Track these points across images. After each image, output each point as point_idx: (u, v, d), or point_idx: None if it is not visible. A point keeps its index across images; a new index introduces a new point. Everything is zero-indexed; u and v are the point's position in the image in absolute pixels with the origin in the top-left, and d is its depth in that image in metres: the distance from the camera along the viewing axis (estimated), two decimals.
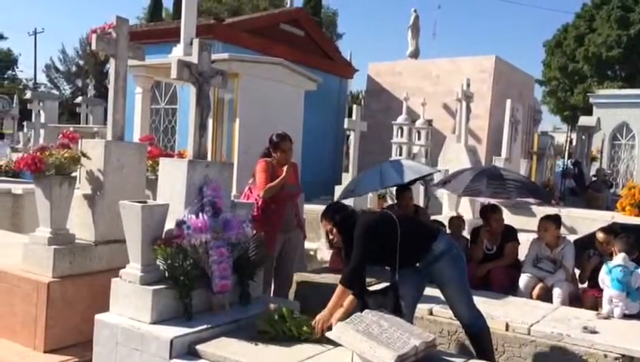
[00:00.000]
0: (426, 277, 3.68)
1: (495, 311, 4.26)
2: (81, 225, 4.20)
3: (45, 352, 3.80)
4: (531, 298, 4.95)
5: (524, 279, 5.15)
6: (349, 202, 5.87)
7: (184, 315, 3.52)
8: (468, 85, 11.14)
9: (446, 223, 6.06)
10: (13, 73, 40.08)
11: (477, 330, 3.68)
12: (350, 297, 3.44)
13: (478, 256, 5.50)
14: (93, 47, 4.25)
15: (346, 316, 3.33)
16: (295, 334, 3.38)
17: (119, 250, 3.94)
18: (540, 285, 5.03)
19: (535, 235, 5.51)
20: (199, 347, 3.25)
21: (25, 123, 19.30)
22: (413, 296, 3.70)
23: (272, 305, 3.57)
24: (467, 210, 8.68)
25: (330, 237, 3.68)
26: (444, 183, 6.31)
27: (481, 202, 8.49)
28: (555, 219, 5.30)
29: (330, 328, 3.31)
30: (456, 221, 6.11)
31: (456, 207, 8.73)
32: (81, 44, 38.95)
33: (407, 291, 3.61)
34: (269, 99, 6.38)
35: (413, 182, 5.76)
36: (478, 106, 13.91)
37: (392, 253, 3.44)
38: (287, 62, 6.84)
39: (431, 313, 4.32)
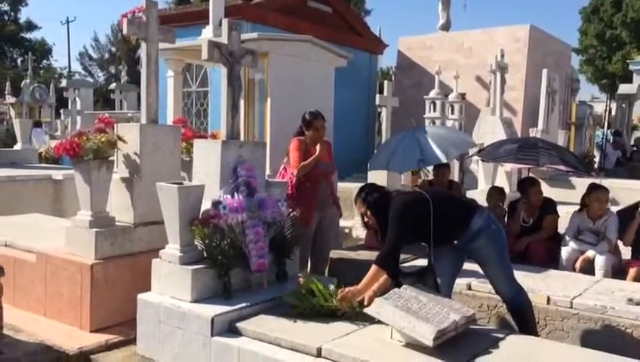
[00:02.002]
0: (465, 253, 3.63)
1: (536, 284, 4.19)
2: (120, 207, 4.28)
3: (91, 332, 3.92)
4: (573, 271, 4.85)
5: (565, 251, 5.04)
6: (382, 178, 5.77)
7: (223, 294, 3.58)
8: (502, 56, 10.83)
9: (480, 197, 5.96)
10: (48, 62, 40.88)
11: (519, 305, 3.63)
12: (384, 276, 3.42)
13: (515, 229, 5.41)
14: (125, 31, 4.28)
15: (380, 293, 3.31)
16: (324, 306, 3.39)
17: (158, 231, 4.01)
18: (582, 257, 4.91)
19: (575, 207, 5.38)
20: (239, 324, 3.30)
21: (62, 111, 19.76)
22: (451, 274, 3.66)
23: (300, 280, 3.57)
24: (504, 183, 8.50)
25: (365, 219, 3.65)
26: (479, 151, 6.22)
27: (518, 176, 8.36)
28: (606, 189, 5.18)
29: (361, 303, 3.32)
30: (496, 193, 5.98)
31: (492, 181, 8.56)
32: (113, 31, 39.48)
33: (445, 269, 3.58)
34: (300, 78, 6.35)
35: None
36: (512, 77, 13.54)
37: (428, 232, 3.40)
38: (317, 39, 6.78)
39: (469, 288, 4.28)
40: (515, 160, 5.57)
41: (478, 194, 7.34)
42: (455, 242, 3.55)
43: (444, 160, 5.00)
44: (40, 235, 4.90)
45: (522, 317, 3.63)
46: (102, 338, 3.83)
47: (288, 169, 4.97)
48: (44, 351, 3.57)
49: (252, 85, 6.50)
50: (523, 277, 3.99)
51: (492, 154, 5.92)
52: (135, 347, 3.67)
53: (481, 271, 3.77)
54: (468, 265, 3.88)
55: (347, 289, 3.42)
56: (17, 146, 10.93)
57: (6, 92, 20.29)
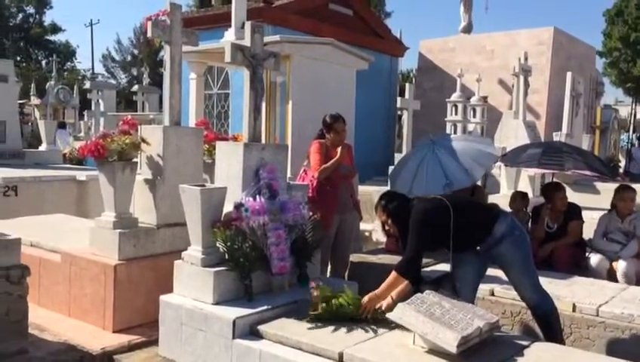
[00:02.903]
0: (488, 259, 3.58)
1: (561, 291, 4.11)
2: (143, 209, 4.32)
3: (114, 332, 3.95)
4: (602, 278, 4.77)
5: (595, 258, 4.97)
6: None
7: (245, 296, 3.58)
8: (525, 59, 10.73)
9: (503, 202, 5.88)
10: (72, 64, 41.57)
11: (544, 312, 3.56)
12: (404, 283, 3.39)
13: (539, 235, 5.33)
14: (149, 34, 4.31)
15: (399, 299, 3.28)
16: (345, 312, 3.35)
17: (180, 233, 4.04)
18: (613, 263, 4.91)
19: (601, 213, 5.30)
20: (261, 327, 3.30)
21: (85, 112, 20.06)
22: (474, 280, 3.62)
23: (314, 293, 3.43)
24: (527, 187, 8.40)
25: (387, 227, 3.63)
26: (502, 156, 6.13)
27: (542, 180, 8.24)
28: (632, 188, 5.20)
29: (379, 310, 3.29)
30: (519, 198, 5.89)
31: (515, 185, 8.46)
32: (135, 34, 40.01)
33: (468, 274, 3.53)
34: (321, 80, 6.35)
35: None
36: (536, 80, 13.39)
37: (449, 239, 3.37)
38: (338, 42, 6.78)
39: (492, 293, 4.22)
40: (539, 165, 5.48)
41: (501, 199, 7.25)
42: (478, 248, 3.50)
43: (470, 183, 4.77)
44: (64, 235, 4.96)
45: (548, 325, 3.57)
46: (124, 338, 3.85)
47: (309, 172, 4.96)
48: (68, 350, 3.61)
49: (273, 88, 6.51)
50: (547, 284, 3.92)
51: (515, 159, 5.84)
52: (157, 348, 3.69)
53: (504, 277, 3.72)
54: (491, 271, 3.83)
55: (366, 297, 3.38)
56: (42, 147, 11.10)
57: (31, 93, 20.66)
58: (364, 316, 3.33)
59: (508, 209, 5.49)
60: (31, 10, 39.56)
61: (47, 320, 4.13)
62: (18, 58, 34.76)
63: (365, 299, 3.37)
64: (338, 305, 3.37)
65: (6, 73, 8.56)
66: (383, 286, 3.37)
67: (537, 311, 3.58)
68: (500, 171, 9.05)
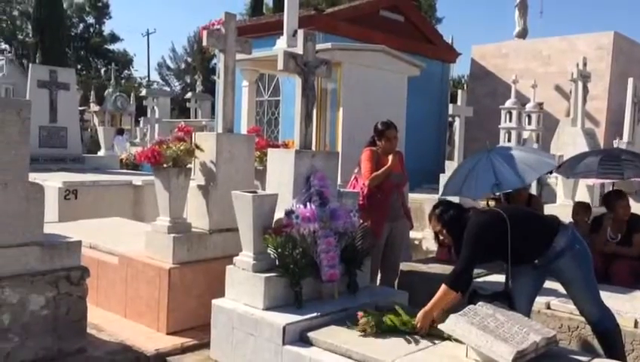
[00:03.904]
0: (547, 273, 3.46)
1: (622, 306, 3.94)
2: (196, 214, 4.41)
3: (167, 334, 4.04)
4: None
5: None
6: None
7: (295, 303, 3.59)
8: (584, 64, 10.36)
9: (559, 212, 5.67)
10: (129, 73, 43.12)
11: (605, 329, 3.42)
12: (454, 294, 3.28)
13: (601, 246, 5.11)
14: (204, 43, 4.41)
15: (450, 309, 3.20)
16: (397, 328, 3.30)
17: (232, 238, 4.09)
18: None
19: None
20: (311, 334, 3.30)
21: (141, 118, 20.73)
22: (530, 294, 3.51)
23: (361, 320, 3.33)
24: (585, 197, 8.09)
25: (441, 238, 3.55)
26: (558, 167, 5.90)
27: (601, 189, 7.91)
28: None
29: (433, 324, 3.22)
30: (582, 209, 5.67)
31: (572, 195, 8.17)
32: (189, 42, 41.11)
33: (524, 287, 3.43)
34: (372, 87, 6.32)
35: None
36: (595, 86, 12.92)
37: (505, 253, 3.28)
38: (390, 48, 6.74)
39: (549, 306, 4.08)
40: (597, 175, 5.25)
41: (558, 209, 7.02)
42: (536, 261, 3.39)
43: (520, 185, 4.66)
44: (121, 238, 5.12)
45: (610, 342, 3.42)
46: (177, 341, 3.93)
47: (359, 179, 4.94)
48: (124, 351, 3.71)
49: (324, 95, 6.53)
50: (607, 298, 3.75)
51: (572, 169, 5.59)
52: (208, 351, 3.75)
53: (560, 289, 3.60)
54: (547, 283, 3.70)
55: (418, 316, 3.27)
56: (101, 152, 11.52)
57: (90, 101, 21.54)
58: (420, 334, 3.26)
59: (568, 220, 5.29)
60: (91, 20, 41.29)
61: (105, 320, 4.27)
62: (79, 67, 36.29)
63: (419, 316, 3.27)
64: (387, 329, 3.30)
65: (68, 81, 8.91)
66: (434, 300, 3.28)
67: (598, 327, 3.43)
68: (557, 180, 8.77)
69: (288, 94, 11.80)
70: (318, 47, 5.19)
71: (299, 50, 4.12)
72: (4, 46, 35.14)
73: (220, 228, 4.36)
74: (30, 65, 10.26)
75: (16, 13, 38.11)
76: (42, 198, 3.37)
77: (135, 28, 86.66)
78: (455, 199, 5.22)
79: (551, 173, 6.49)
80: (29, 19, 31.32)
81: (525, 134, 13.03)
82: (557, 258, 3.32)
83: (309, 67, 4.13)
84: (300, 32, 4.18)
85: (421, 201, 8.52)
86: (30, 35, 30.00)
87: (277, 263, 3.64)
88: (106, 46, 41.64)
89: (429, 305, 3.27)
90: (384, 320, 3.32)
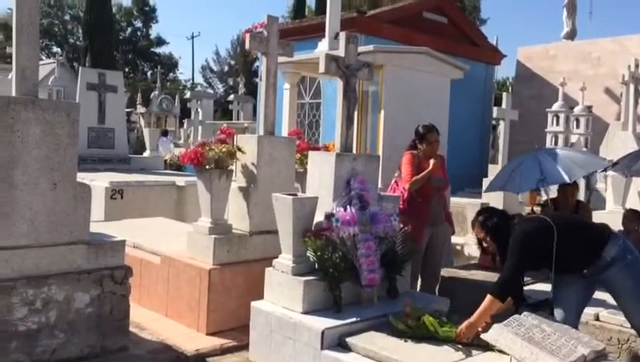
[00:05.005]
0: (596, 283, 3.32)
1: None
2: (237, 216, 4.44)
3: (207, 334, 4.09)
4: None
5: None
6: (498, 199, 5.45)
7: (333, 307, 3.57)
8: (636, 66, 9.98)
9: (609, 219, 5.45)
10: (175, 75, 44.02)
11: None
12: (500, 305, 3.18)
13: None
14: (247, 46, 4.45)
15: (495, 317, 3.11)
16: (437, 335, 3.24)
17: (272, 241, 4.11)
18: None
19: None
20: (349, 339, 3.27)
21: (185, 120, 21.11)
22: (578, 305, 3.36)
23: (407, 309, 3.41)
24: (636, 204, 7.77)
25: (485, 245, 3.46)
26: (614, 164, 5.63)
27: None
28: None
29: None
30: (634, 216, 5.43)
31: (623, 201, 7.86)
32: (232, 45, 41.70)
33: (571, 298, 3.30)
34: (414, 90, 6.25)
35: None
36: None
37: (551, 261, 3.16)
38: (433, 50, 6.65)
39: (597, 318, 3.93)
40: None
41: (607, 216, 6.76)
42: (585, 271, 3.25)
43: (567, 180, 4.62)
44: (164, 238, 5.20)
45: None
46: (217, 341, 3.97)
47: (400, 183, 4.88)
48: (164, 350, 3.77)
49: (365, 97, 6.50)
50: None
51: (629, 167, 5.32)
52: (247, 353, 3.77)
53: (610, 300, 3.45)
54: (596, 293, 3.56)
55: (461, 327, 3.20)
56: (146, 153, 11.79)
57: (137, 103, 22.06)
58: (461, 343, 3.18)
59: (617, 228, 5.08)
60: (139, 24, 42.37)
61: (146, 319, 4.35)
62: (126, 69, 37.29)
63: (463, 326, 3.19)
64: (427, 335, 3.25)
65: (116, 84, 9.16)
66: (479, 311, 3.18)
67: None
68: (606, 185, 8.46)
69: (329, 97, 11.79)
70: (360, 49, 5.15)
71: (340, 52, 4.11)
72: (55, 49, 36.42)
73: (260, 230, 4.38)
74: (80, 68, 10.57)
75: (67, 17, 39.47)
76: (89, 198, 3.45)
77: (180, 31, 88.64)
78: (499, 192, 5.20)
79: (605, 170, 6.21)
80: (80, 24, 32.44)
81: (573, 138, 12.62)
82: (607, 268, 3.18)
83: (350, 70, 4.11)
84: (342, 35, 4.16)
85: (463, 206, 8.36)
86: (80, 39, 31.05)
87: (316, 266, 3.63)
88: (152, 49, 42.64)
89: (475, 316, 3.18)
90: (423, 320, 3.28)
